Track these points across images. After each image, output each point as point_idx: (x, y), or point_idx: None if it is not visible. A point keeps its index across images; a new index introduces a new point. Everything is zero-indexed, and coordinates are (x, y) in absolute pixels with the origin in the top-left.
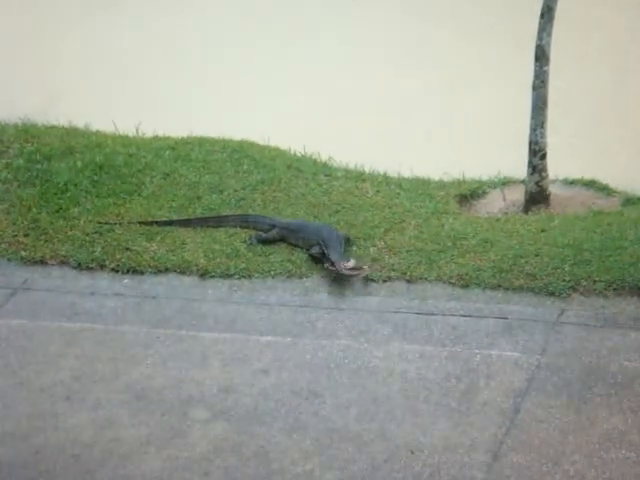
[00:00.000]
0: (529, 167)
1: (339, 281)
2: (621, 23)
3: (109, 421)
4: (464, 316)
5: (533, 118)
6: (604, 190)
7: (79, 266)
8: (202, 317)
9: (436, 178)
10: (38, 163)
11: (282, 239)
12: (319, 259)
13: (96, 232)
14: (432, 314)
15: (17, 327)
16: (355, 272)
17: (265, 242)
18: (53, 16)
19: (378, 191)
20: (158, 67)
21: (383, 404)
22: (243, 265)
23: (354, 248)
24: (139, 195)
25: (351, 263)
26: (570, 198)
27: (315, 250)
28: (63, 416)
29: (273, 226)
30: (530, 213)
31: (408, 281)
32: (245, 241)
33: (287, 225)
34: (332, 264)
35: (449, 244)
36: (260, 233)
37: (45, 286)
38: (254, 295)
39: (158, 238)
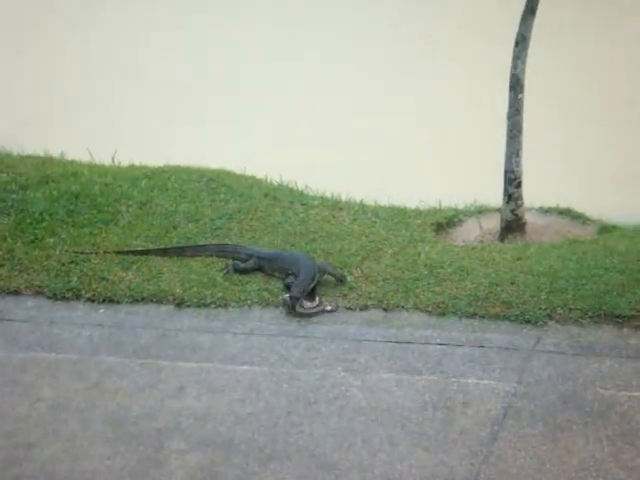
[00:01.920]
0: (505, 195)
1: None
2: (596, 49)
3: (85, 452)
4: (441, 344)
5: (508, 146)
6: (579, 218)
7: (54, 296)
8: (178, 347)
9: (412, 206)
10: (13, 193)
11: (259, 268)
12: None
13: (72, 262)
14: (409, 342)
15: None
16: (311, 311)
17: (242, 272)
18: (29, 45)
19: (355, 219)
20: (134, 96)
21: (360, 433)
22: (219, 294)
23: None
24: (115, 224)
25: (311, 303)
26: (546, 226)
27: (290, 280)
28: (38, 447)
29: (250, 256)
30: (506, 241)
31: (385, 309)
32: (222, 270)
33: (264, 255)
34: (290, 299)
35: (425, 272)
36: (237, 262)
37: (20, 316)
38: (231, 324)
39: (134, 267)
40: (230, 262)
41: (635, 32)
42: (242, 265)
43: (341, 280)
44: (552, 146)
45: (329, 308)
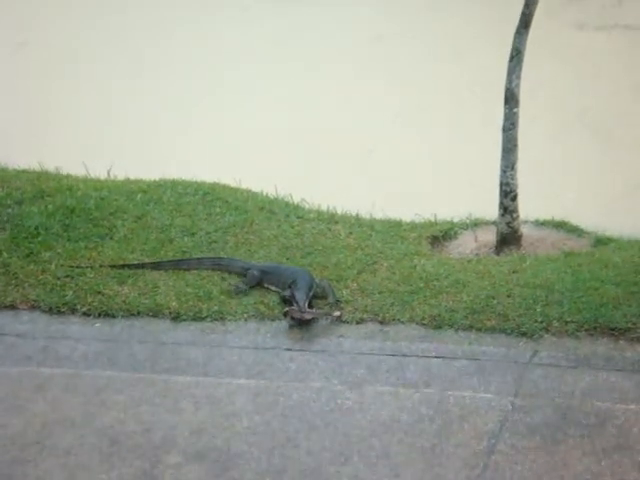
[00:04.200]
0: (500, 208)
1: (300, 326)
2: (588, 62)
3: (81, 467)
4: (437, 357)
5: (503, 160)
6: (575, 231)
7: (50, 310)
8: (174, 360)
9: (408, 219)
10: (8, 207)
11: (257, 282)
12: (290, 302)
13: (67, 276)
14: (405, 355)
15: None
16: (316, 313)
17: (251, 285)
18: (23, 58)
19: (350, 233)
20: (129, 110)
21: (356, 446)
22: (215, 308)
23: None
24: (111, 238)
25: (308, 313)
26: (541, 239)
27: (287, 293)
28: (34, 462)
29: (246, 269)
30: (502, 254)
31: (381, 322)
32: (236, 293)
33: (260, 268)
34: (292, 308)
35: (421, 285)
36: (239, 284)
37: (15, 331)
38: (227, 338)
39: (130, 281)
40: (235, 281)
41: (630, 45)
42: (248, 280)
43: (335, 304)
44: (547, 159)
45: (337, 314)
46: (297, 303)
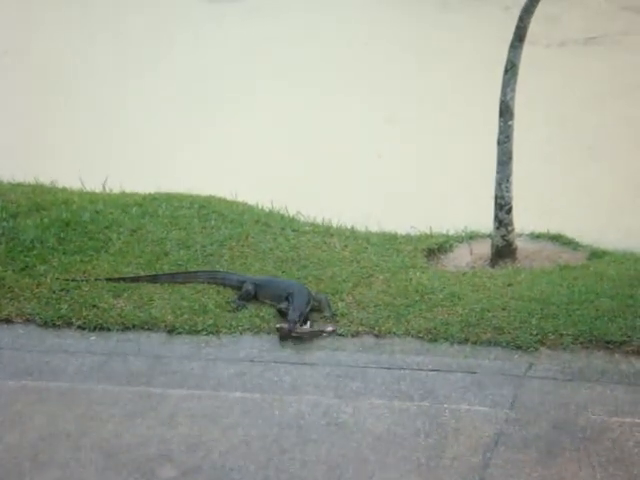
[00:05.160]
0: (495, 221)
1: (294, 340)
2: (587, 73)
3: None
4: (433, 370)
5: (498, 172)
6: (570, 244)
7: (45, 324)
8: (170, 374)
9: (403, 232)
10: (4, 221)
11: (253, 295)
12: (285, 314)
13: (63, 289)
14: (401, 369)
15: None
16: (309, 331)
17: (248, 299)
18: (19, 73)
19: (346, 246)
20: (124, 124)
21: (352, 460)
22: (211, 321)
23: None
24: (106, 252)
25: (304, 327)
26: (536, 252)
27: (283, 305)
28: (29, 476)
29: (242, 282)
30: (497, 267)
31: (376, 336)
32: (231, 306)
33: (255, 281)
34: (289, 322)
35: (417, 298)
36: (238, 300)
37: (10, 344)
38: (222, 351)
39: (125, 295)
40: (233, 296)
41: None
42: (244, 293)
43: (330, 317)
44: (542, 172)
45: (330, 329)
46: (289, 322)
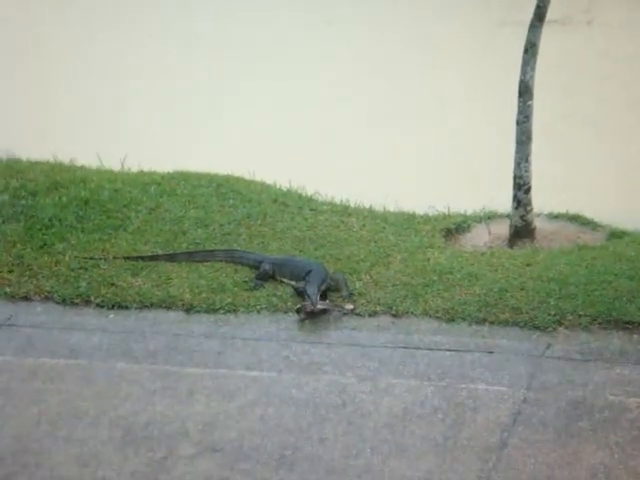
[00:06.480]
0: (514, 201)
1: (311, 318)
2: (607, 54)
3: (94, 458)
4: (450, 350)
5: (517, 152)
6: (589, 224)
7: (64, 302)
8: (188, 352)
9: (421, 212)
10: (23, 199)
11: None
12: (303, 294)
13: (81, 267)
14: (418, 348)
15: (1, 364)
16: (327, 307)
17: (265, 278)
18: (37, 52)
19: (364, 225)
20: (143, 102)
21: (369, 439)
22: (229, 300)
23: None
24: (124, 230)
25: (320, 304)
26: (555, 232)
27: (301, 285)
28: (47, 453)
29: (260, 261)
30: (515, 247)
31: (394, 315)
32: (248, 285)
33: (273, 260)
34: (304, 303)
35: (435, 278)
36: (256, 279)
37: (29, 322)
38: (240, 330)
39: (143, 273)
40: (250, 278)
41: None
42: (262, 272)
43: (348, 296)
44: (561, 152)
45: (350, 307)
46: (309, 297)
